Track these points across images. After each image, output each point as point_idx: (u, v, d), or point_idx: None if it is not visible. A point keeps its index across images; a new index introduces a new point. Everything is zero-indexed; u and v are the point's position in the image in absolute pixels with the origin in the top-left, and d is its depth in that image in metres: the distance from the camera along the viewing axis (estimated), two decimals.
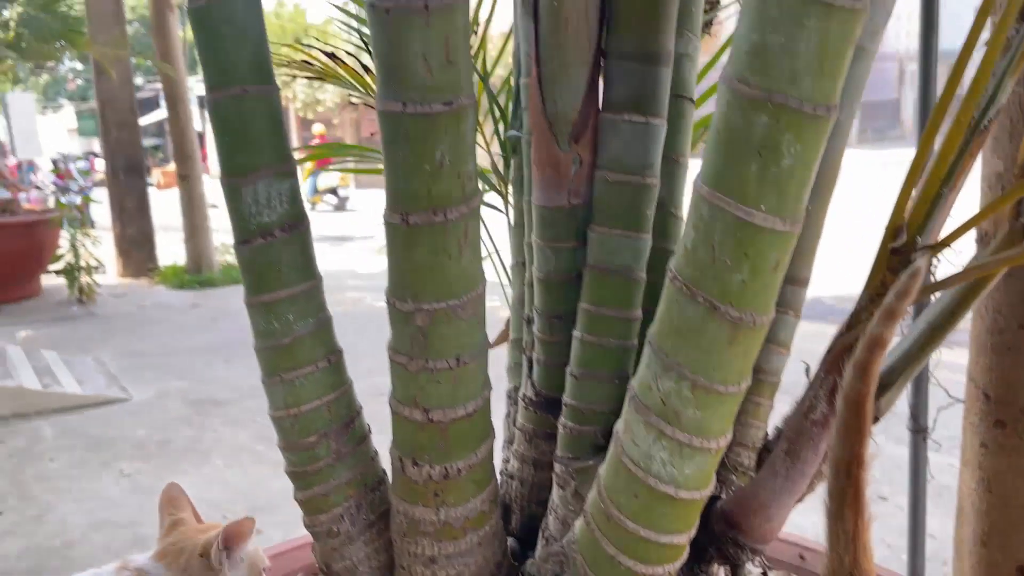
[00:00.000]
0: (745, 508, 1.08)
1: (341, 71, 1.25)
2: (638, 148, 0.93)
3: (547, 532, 1.02)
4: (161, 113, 24.75)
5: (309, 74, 1.26)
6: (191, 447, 3.92)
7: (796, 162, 0.66)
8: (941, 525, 2.41)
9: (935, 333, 1.13)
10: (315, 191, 16.94)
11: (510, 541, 1.08)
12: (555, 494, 1.01)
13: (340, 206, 15.07)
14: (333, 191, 14.84)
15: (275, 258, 0.91)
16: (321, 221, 12.80)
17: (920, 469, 1.96)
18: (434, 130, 0.78)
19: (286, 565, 1.55)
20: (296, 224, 0.92)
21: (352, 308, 6.68)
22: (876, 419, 1.21)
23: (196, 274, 8.05)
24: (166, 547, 1.03)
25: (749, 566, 1.54)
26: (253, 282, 0.93)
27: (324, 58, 1.24)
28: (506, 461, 1.17)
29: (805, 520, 1.22)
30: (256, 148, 0.89)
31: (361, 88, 1.27)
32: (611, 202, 0.95)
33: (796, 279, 1.12)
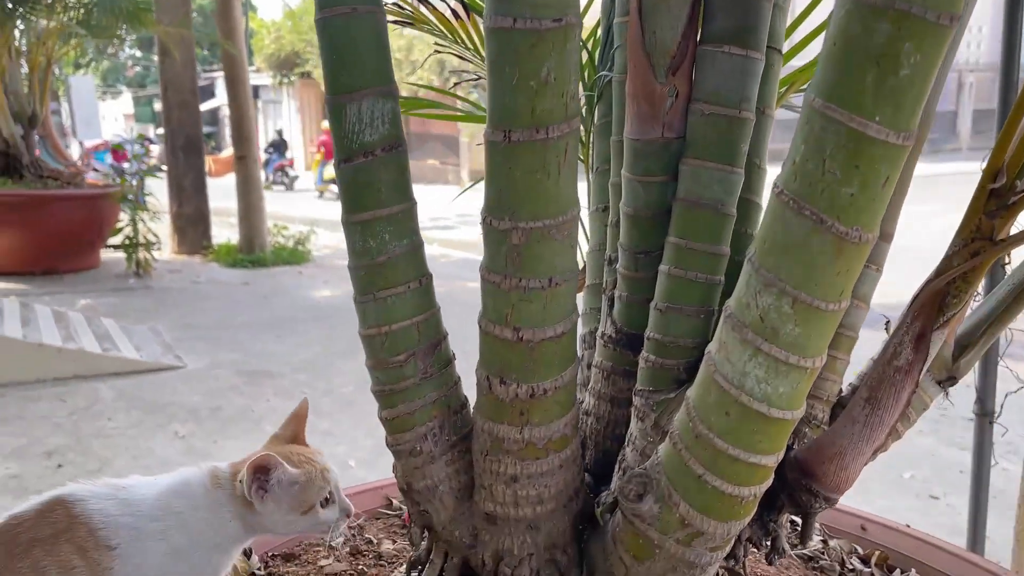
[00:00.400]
0: (820, 456, 1.07)
1: (432, 16, 1.27)
2: (736, 81, 0.94)
3: (624, 463, 1.03)
4: (215, 101, 25.25)
5: (399, 18, 1.28)
6: (242, 414, 4.00)
7: (914, 73, 0.66)
8: (996, 527, 2.37)
9: (1018, 296, 1.12)
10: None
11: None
12: (634, 426, 1.02)
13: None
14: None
15: (375, 177, 0.94)
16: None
17: (985, 455, 1.93)
18: (542, 46, 0.79)
19: (354, 506, 1.58)
20: (396, 145, 0.94)
21: None
22: (954, 380, 1.20)
23: (248, 253, 8.21)
24: (246, 458, 1.07)
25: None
26: (352, 200, 0.95)
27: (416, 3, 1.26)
28: (581, 401, 1.18)
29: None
30: (361, 67, 0.92)
31: (449, 35, 1.30)
32: (706, 135, 0.95)
33: (881, 233, 1.12)
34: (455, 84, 1.40)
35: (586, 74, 1.26)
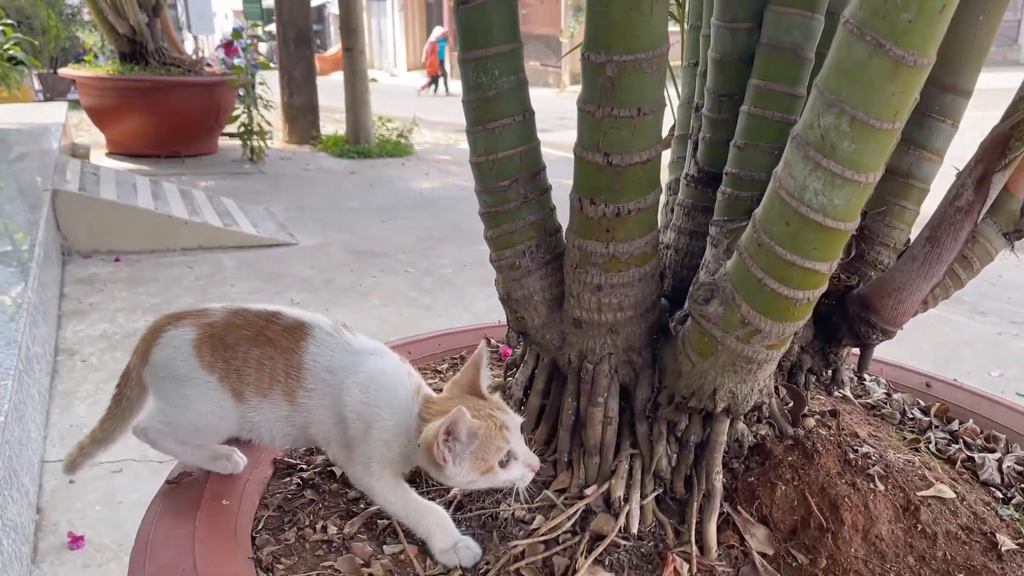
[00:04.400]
0: (881, 291, 1.18)
1: None
2: None
3: (698, 283, 1.16)
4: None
5: None
6: (352, 288, 4.29)
7: None
8: None
9: None
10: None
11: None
12: (708, 253, 1.15)
13: None
14: None
15: (488, 19, 1.06)
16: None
17: None
18: None
19: (454, 342, 1.78)
20: None
21: None
22: (1021, 234, 1.27)
23: (355, 144, 8.49)
24: (439, 401, 1.04)
25: (874, 385, 1.65)
26: (468, 40, 1.08)
27: None
28: (662, 239, 1.31)
29: None
30: None
31: None
32: None
33: (958, 88, 1.17)
34: None
35: None
